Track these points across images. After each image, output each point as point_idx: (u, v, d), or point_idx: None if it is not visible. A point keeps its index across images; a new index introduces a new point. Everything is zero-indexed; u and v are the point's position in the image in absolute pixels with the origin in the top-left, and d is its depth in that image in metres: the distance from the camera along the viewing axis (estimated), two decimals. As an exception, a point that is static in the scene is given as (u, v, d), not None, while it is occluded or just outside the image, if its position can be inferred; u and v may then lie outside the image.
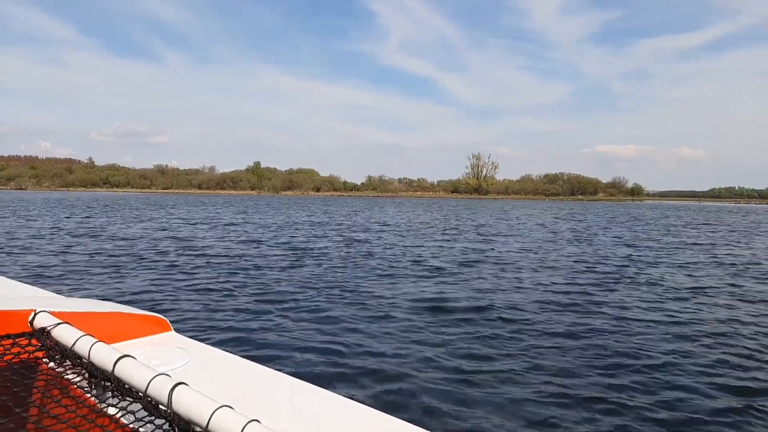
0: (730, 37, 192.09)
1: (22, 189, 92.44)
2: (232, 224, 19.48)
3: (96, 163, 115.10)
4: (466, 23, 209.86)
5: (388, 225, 21.49)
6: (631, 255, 12.19)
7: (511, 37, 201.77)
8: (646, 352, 4.53)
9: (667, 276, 9.05)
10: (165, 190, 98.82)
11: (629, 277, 8.81)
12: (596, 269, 9.75)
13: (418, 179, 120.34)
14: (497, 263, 10.40)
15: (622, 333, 5.19)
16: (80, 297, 1.63)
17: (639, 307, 6.47)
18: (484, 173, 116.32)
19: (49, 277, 7.74)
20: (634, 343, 4.83)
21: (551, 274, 9.06)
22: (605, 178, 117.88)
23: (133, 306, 1.26)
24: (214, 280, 7.72)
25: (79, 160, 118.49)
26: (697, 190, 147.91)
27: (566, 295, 7.17)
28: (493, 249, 13.05)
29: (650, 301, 6.83)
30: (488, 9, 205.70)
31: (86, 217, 21.28)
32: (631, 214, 39.65)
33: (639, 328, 5.41)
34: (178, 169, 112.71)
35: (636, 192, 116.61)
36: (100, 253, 10.57)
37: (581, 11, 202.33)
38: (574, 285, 7.99)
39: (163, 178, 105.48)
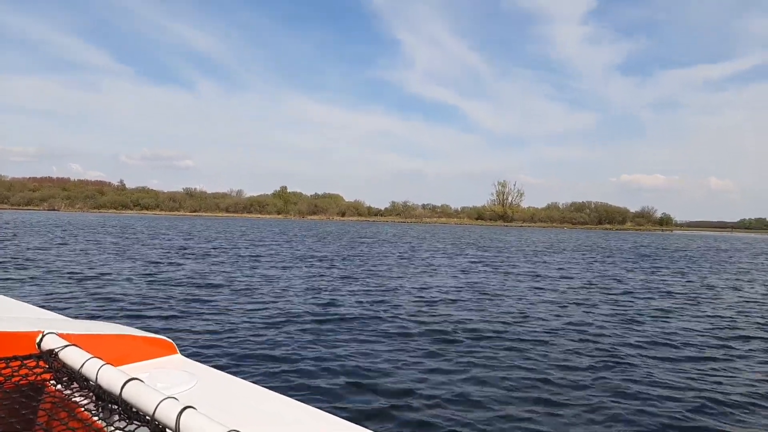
0: (760, 67, 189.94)
1: (54, 210, 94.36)
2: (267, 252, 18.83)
3: (126, 186, 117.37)
4: (492, 53, 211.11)
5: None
6: None
7: (536, 66, 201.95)
8: None
9: None
10: (193, 213, 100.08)
11: None
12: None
13: (442, 205, 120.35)
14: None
15: None
16: (87, 319, 1.52)
17: None
18: (509, 200, 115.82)
19: (58, 299, 7.67)
20: None
21: None
22: (632, 207, 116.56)
23: (140, 328, 1.25)
24: (226, 305, 7.71)
25: (110, 182, 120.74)
26: (727, 220, 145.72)
27: None
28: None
29: None
30: (513, 39, 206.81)
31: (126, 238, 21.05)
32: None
33: None
34: (206, 192, 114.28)
35: (665, 222, 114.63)
36: (121, 275, 10.69)
37: (608, 41, 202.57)
38: None
39: (191, 201, 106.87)
